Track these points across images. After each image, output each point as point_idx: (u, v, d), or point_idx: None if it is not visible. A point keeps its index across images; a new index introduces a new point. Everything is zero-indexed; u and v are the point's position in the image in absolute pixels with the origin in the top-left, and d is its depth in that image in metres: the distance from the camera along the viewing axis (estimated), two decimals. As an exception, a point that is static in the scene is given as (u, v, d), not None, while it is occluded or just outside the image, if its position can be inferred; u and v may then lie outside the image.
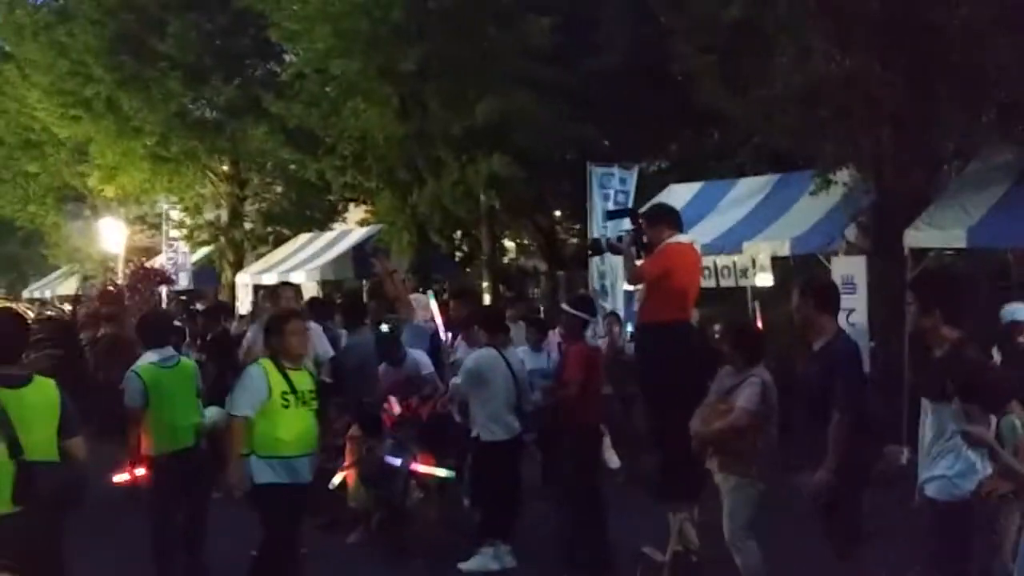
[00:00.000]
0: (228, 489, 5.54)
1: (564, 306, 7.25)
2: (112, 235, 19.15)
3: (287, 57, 17.15)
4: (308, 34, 14.72)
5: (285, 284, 8.48)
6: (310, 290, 17.73)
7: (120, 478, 6.19)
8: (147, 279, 10.74)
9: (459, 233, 18.20)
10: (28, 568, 3.99)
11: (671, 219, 6.03)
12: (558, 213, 18.55)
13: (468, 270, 19.77)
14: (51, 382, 4.33)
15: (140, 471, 6.09)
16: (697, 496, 5.79)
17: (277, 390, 5.37)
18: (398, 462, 6.98)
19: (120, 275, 9.61)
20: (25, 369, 4.32)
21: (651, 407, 6.13)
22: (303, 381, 5.54)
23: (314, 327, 7.15)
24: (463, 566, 6.51)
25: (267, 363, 5.51)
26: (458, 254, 19.16)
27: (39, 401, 4.20)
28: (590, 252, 7.10)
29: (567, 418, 6.49)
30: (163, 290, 15.07)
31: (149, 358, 6.16)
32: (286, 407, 5.37)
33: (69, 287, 23.69)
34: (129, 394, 6.03)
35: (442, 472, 6.89)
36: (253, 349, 7.11)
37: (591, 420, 6.67)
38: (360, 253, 17.41)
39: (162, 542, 6.01)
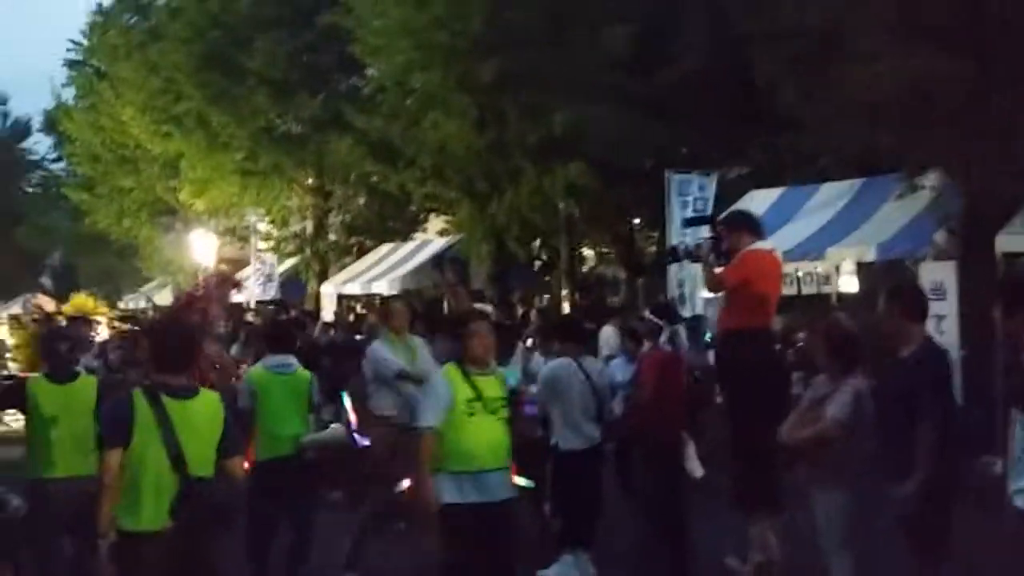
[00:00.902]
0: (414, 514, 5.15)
1: (645, 313, 7.23)
2: (203, 247, 19.81)
3: (369, 71, 17.49)
4: (389, 48, 15.01)
5: (396, 298, 8.19)
6: (391, 300, 18.00)
7: None
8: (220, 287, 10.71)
9: (537, 242, 18.27)
10: None
11: (751, 226, 5.97)
12: (637, 220, 18.46)
13: (547, 279, 19.81)
14: (216, 397, 4.24)
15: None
16: (779, 506, 5.71)
17: (461, 397, 4.92)
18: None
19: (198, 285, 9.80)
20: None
21: (731, 415, 6.08)
22: (491, 387, 5.04)
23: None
24: (543, 573, 6.54)
25: (452, 369, 5.09)
26: (536, 263, 19.22)
27: (204, 415, 4.07)
28: (668, 260, 7.09)
29: (642, 425, 6.44)
30: (245, 300, 15.29)
31: (266, 363, 6.21)
32: (471, 415, 4.91)
33: (162, 298, 24.55)
34: (240, 396, 6.09)
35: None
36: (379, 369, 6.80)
37: (668, 427, 6.63)
38: (440, 263, 17.63)
39: (255, 544, 5.96)
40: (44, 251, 35.04)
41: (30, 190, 37.03)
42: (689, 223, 8.94)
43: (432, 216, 20.28)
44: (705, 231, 6.25)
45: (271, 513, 5.91)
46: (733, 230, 5.92)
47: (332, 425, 6.56)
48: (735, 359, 5.86)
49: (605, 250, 21.08)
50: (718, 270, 5.89)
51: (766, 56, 10.85)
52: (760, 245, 5.90)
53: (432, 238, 19.99)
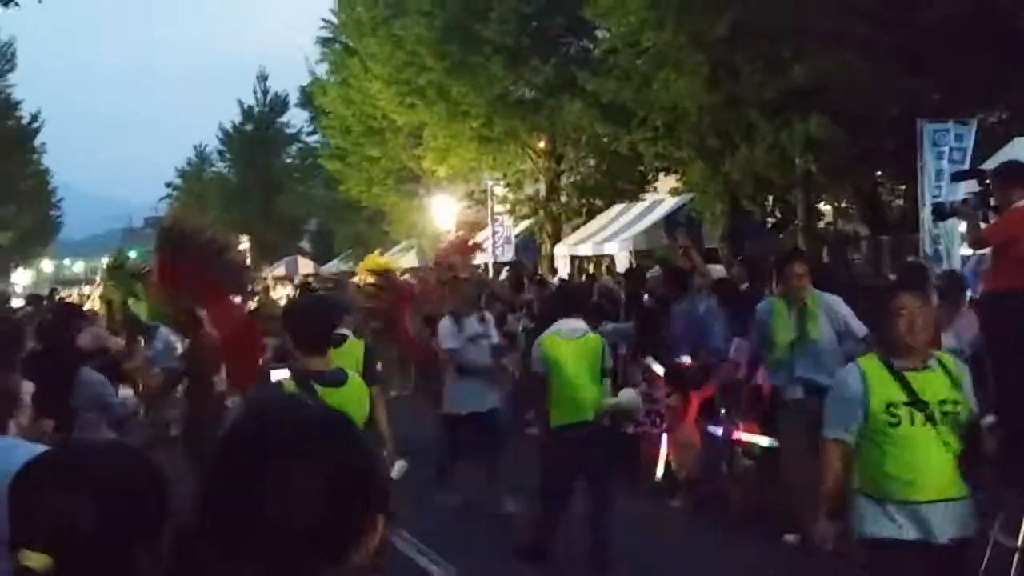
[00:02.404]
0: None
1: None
2: (444, 211, 20.82)
3: (599, 33, 17.56)
4: (621, 7, 15.00)
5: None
6: (623, 260, 18.20)
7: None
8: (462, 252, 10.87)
9: (771, 199, 17.73)
10: None
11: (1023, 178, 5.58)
12: (879, 173, 17.43)
13: (781, 236, 19.21)
14: (361, 381, 4.08)
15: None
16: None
17: (879, 400, 3.65)
18: (719, 431, 7.11)
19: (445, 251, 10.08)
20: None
21: (997, 380, 5.75)
22: (931, 387, 3.65)
23: None
24: (789, 538, 6.52)
25: (870, 361, 3.78)
26: (770, 220, 18.67)
27: (355, 402, 3.82)
28: (934, 218, 6.74)
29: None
30: (483, 263, 15.84)
31: (556, 328, 6.10)
32: (894, 425, 3.62)
33: (409, 260, 26.09)
34: (534, 361, 6.14)
35: (763, 441, 6.91)
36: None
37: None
38: (670, 223, 17.56)
39: (548, 511, 5.94)
40: (302, 218, 38.26)
41: (289, 161, 40.29)
42: (955, 178, 8.40)
43: (662, 175, 20.17)
44: (964, 187, 5.89)
45: (566, 479, 5.89)
46: (1002, 183, 5.55)
47: (625, 389, 6.62)
48: (999, 320, 5.54)
49: (844, 205, 20.10)
50: (983, 226, 5.58)
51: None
52: (1031, 199, 5.50)
53: (663, 197, 19.89)
